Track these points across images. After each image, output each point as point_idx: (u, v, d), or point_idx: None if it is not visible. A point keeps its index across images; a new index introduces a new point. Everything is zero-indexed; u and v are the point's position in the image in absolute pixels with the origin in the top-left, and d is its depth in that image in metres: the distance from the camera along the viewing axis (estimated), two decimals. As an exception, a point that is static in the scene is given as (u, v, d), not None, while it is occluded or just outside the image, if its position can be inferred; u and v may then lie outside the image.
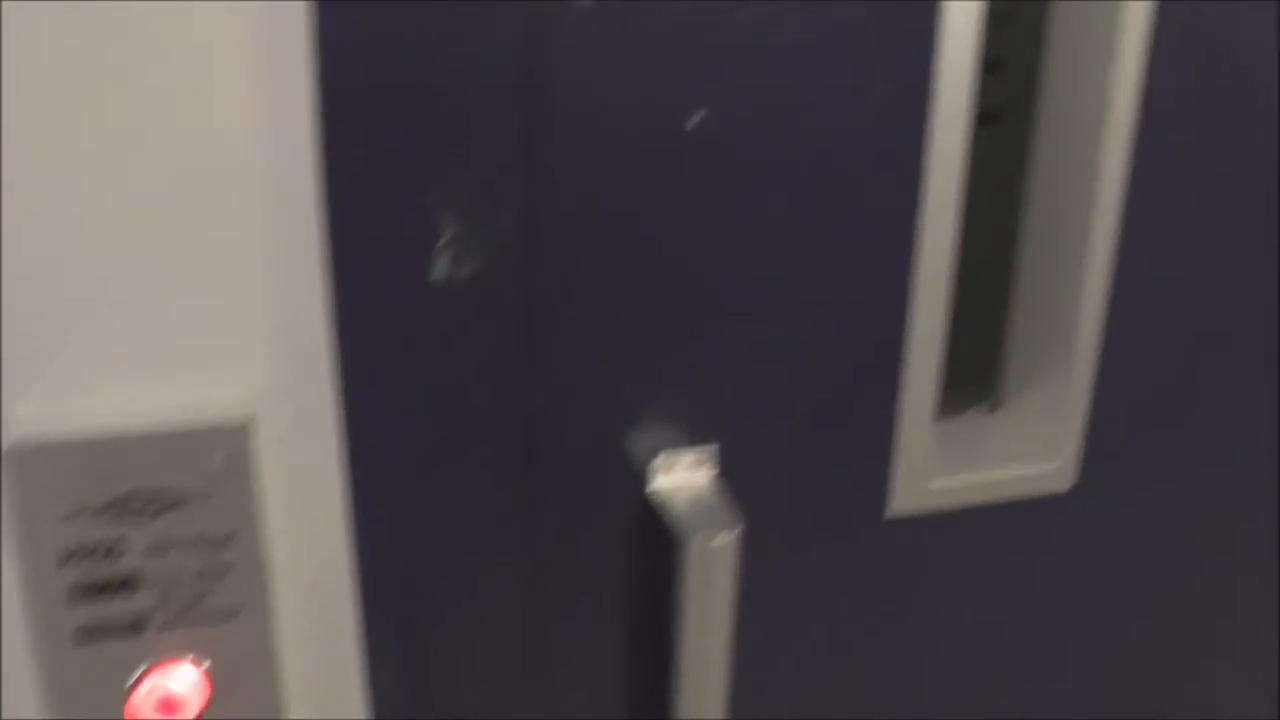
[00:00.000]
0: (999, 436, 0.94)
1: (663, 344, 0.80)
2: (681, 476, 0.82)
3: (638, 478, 0.82)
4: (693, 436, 0.83)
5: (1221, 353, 0.97)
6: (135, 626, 0.65)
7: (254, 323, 0.66)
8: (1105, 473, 0.95)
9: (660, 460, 0.81)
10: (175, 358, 0.65)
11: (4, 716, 0.67)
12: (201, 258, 0.64)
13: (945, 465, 0.90)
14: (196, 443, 0.63)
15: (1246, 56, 0.88)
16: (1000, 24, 0.87)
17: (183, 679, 0.66)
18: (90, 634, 0.64)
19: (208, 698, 0.68)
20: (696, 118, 0.77)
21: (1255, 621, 1.10)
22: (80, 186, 0.60)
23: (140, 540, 0.63)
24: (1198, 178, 0.90)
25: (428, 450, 0.77)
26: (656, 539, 0.81)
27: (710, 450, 0.83)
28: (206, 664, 0.67)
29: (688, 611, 0.78)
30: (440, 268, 0.74)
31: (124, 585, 0.64)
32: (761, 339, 0.82)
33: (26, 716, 0.68)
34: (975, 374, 0.95)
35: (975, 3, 0.78)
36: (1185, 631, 1.08)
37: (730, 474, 0.84)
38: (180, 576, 0.65)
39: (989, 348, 0.95)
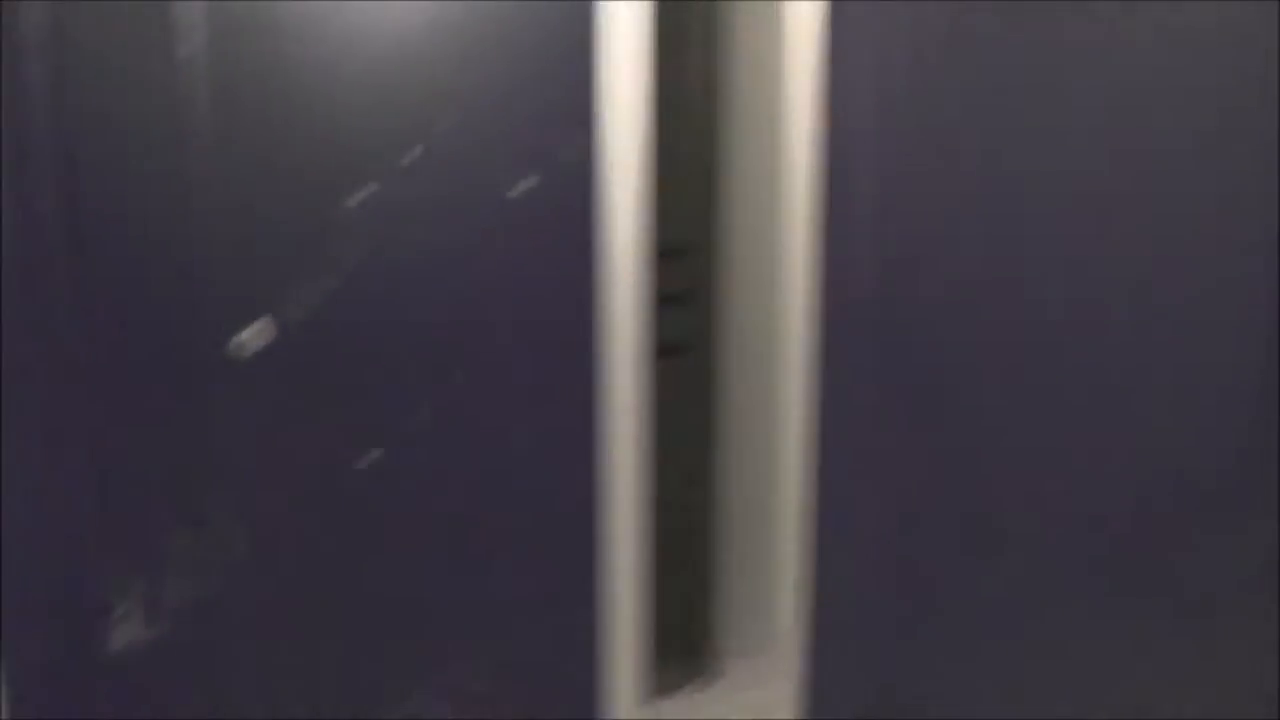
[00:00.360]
0: (716, 709, 0.98)
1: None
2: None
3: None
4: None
5: (930, 593, 1.01)
6: None
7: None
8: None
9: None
10: None
11: None
12: None
13: (663, 746, 0.93)
14: None
15: (920, 272, 0.97)
16: (675, 257, 0.92)
17: None
18: None
19: None
20: (371, 456, 0.84)
21: None
22: None
23: None
24: (887, 426, 0.97)
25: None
26: None
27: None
28: None
29: None
30: (119, 637, 0.79)
31: None
32: (454, 646, 0.87)
33: None
34: (688, 649, 0.99)
35: (637, 236, 0.85)
36: None
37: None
38: None
39: (701, 621, 0.99)
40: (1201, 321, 1.07)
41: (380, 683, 0.85)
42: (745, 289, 0.96)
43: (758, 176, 0.92)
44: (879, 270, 0.95)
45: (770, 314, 0.93)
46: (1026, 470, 1.03)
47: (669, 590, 0.94)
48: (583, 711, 0.90)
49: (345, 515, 0.82)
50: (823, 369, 0.94)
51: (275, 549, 0.81)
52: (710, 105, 0.95)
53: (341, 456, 0.82)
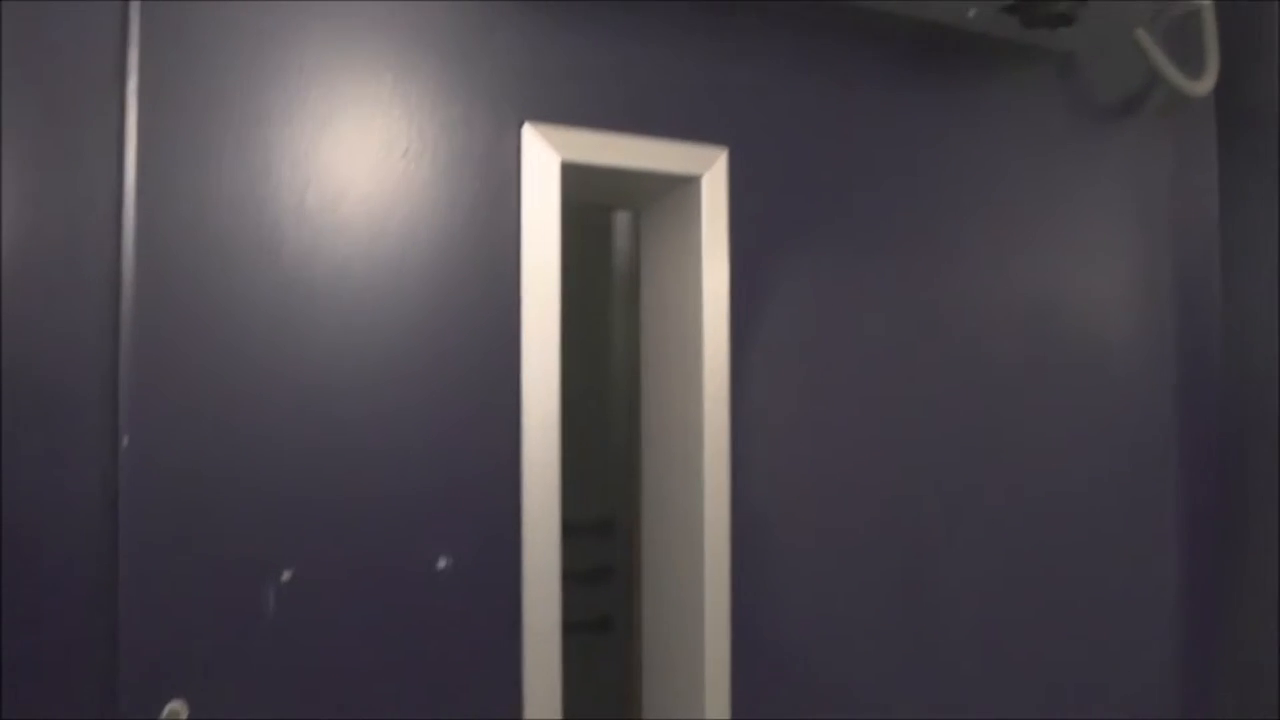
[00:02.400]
0: None
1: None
2: None
3: None
4: None
5: None
6: None
7: None
8: None
9: None
10: None
11: None
12: None
13: None
14: None
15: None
16: (601, 537, 0.92)
17: None
18: None
19: None
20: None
21: None
22: None
23: None
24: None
25: None
26: None
27: None
28: None
29: None
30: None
31: None
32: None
33: None
34: None
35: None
36: None
37: None
38: None
39: None
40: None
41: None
42: (666, 565, 0.98)
43: (678, 456, 0.98)
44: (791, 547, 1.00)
45: (690, 589, 0.97)
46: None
47: None
48: None
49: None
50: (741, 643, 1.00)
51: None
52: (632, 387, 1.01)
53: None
